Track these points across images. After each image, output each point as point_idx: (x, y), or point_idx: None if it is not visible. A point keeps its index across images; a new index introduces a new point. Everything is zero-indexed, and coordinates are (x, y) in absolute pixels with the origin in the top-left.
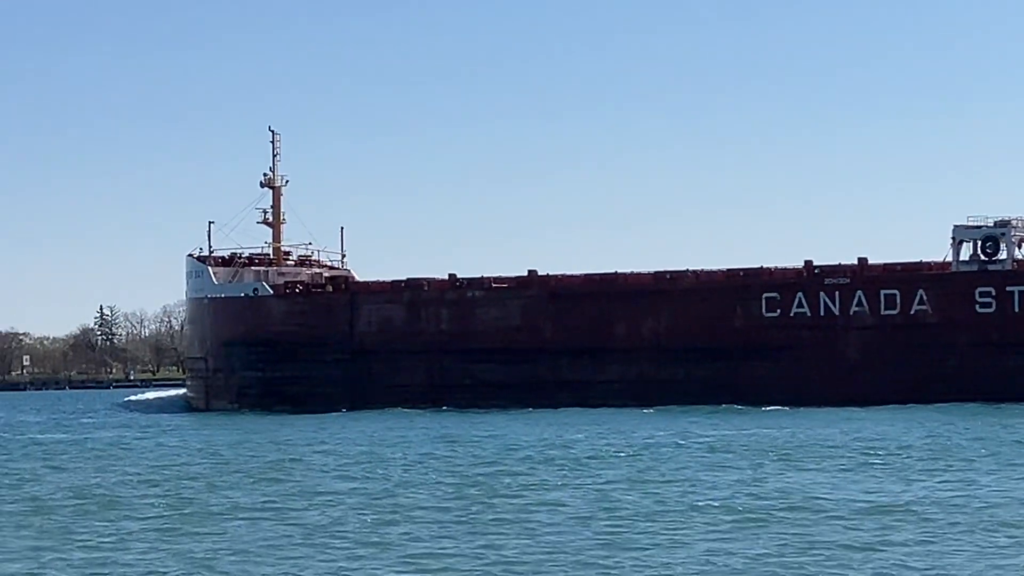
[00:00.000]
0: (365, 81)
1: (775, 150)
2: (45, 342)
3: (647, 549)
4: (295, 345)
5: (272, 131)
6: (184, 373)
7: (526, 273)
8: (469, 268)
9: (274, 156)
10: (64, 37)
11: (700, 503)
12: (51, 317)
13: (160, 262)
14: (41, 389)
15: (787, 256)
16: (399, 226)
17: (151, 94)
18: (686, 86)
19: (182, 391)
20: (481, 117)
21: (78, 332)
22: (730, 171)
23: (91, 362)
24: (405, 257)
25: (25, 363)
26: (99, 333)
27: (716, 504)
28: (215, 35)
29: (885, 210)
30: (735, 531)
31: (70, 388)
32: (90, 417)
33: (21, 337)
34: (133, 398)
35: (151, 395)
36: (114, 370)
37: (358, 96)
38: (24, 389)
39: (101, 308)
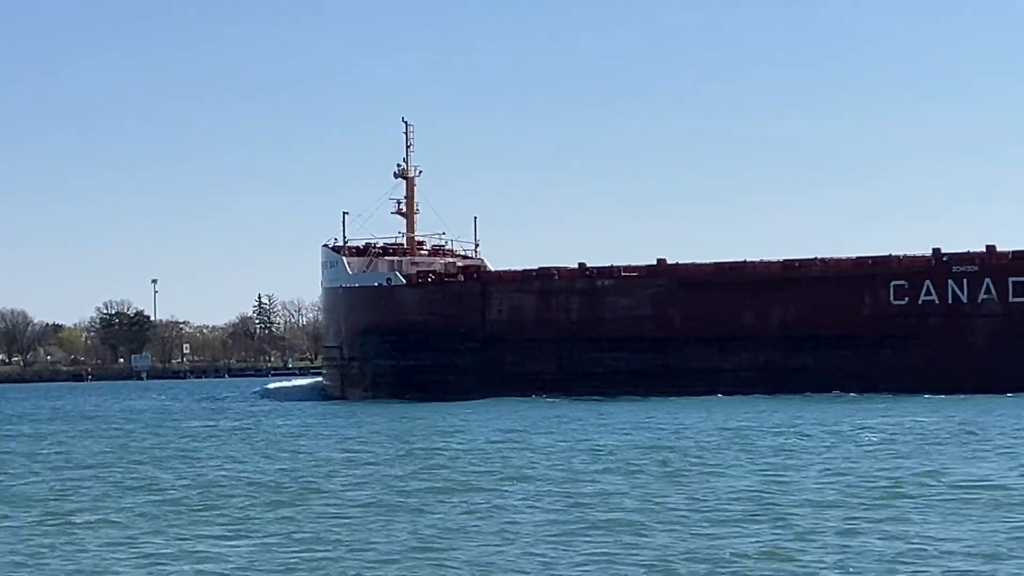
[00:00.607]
0: (497, 72)
1: (904, 138)
2: (205, 331)
3: None
4: (427, 334)
5: (405, 122)
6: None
7: (655, 262)
8: (600, 257)
9: (407, 147)
10: (199, 29)
11: None
12: (211, 306)
13: (314, 252)
14: (200, 377)
15: (916, 243)
16: (532, 215)
17: (290, 88)
18: (811, 75)
19: (318, 379)
20: (604, 105)
21: (237, 321)
22: (857, 158)
23: (249, 350)
24: (538, 246)
25: (185, 351)
26: (258, 322)
27: None
28: (350, 28)
29: (1016, 196)
30: None
31: (229, 376)
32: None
33: (181, 326)
34: (271, 386)
35: (287, 383)
36: (272, 358)
37: (491, 87)
38: (184, 377)
39: (259, 297)
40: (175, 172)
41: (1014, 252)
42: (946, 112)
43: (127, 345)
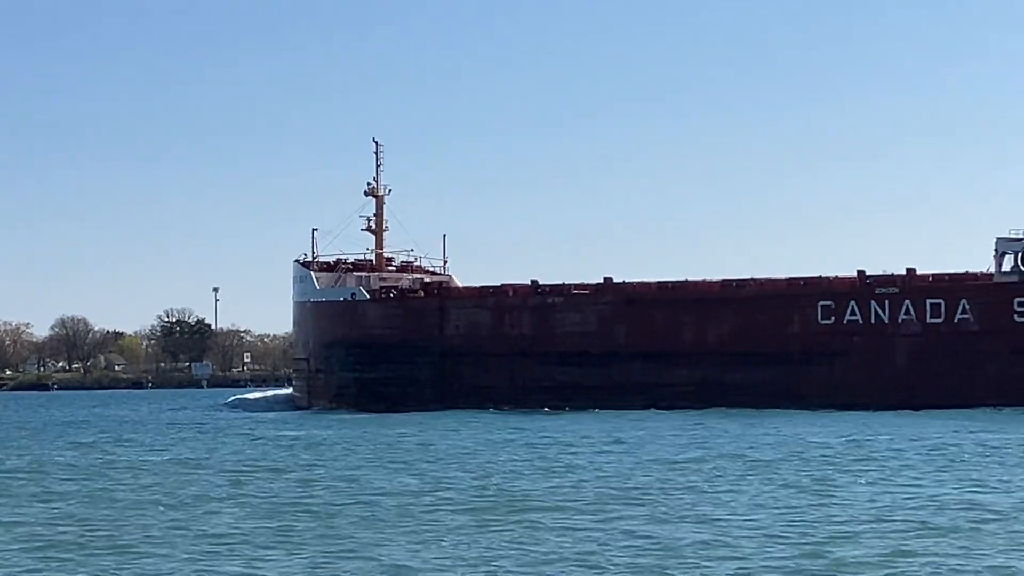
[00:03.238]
0: (464, 94)
1: (832, 167)
2: (265, 339)
3: None
4: (388, 347)
5: (376, 142)
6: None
7: (602, 280)
8: (556, 275)
9: (377, 166)
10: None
11: None
12: (272, 315)
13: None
14: (260, 386)
15: (844, 265)
16: (498, 233)
17: (264, 107)
18: (751, 102)
19: (289, 390)
20: (562, 129)
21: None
22: (790, 185)
23: None
24: (507, 263)
25: (246, 360)
26: None
27: None
28: (321, 48)
29: (935, 222)
30: None
31: (288, 384)
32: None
33: (242, 335)
34: (243, 396)
35: (256, 394)
36: None
37: (458, 108)
38: (245, 386)
39: None
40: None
41: (933, 275)
42: (874, 138)
43: (188, 353)
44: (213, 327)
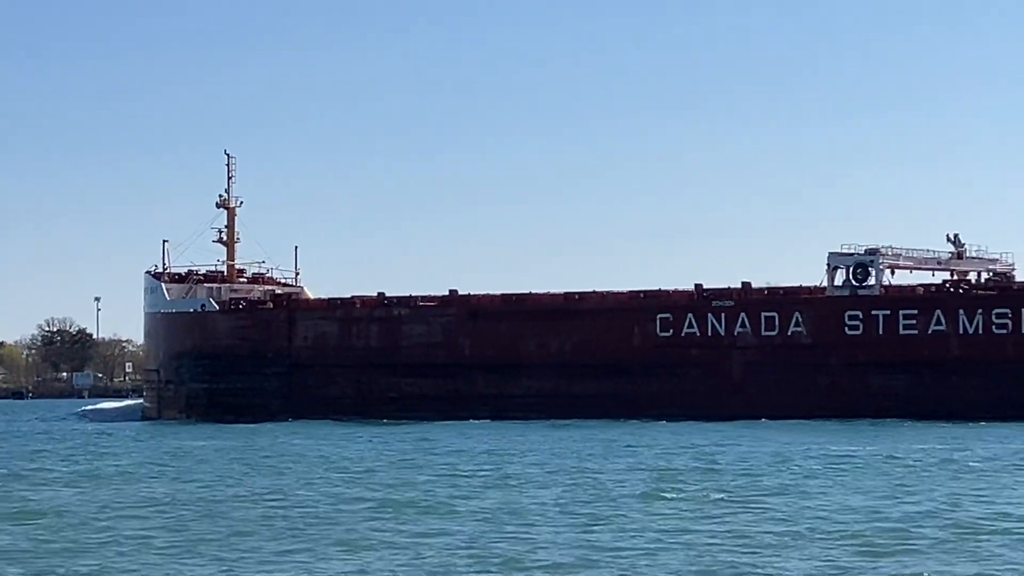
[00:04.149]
0: (317, 105)
1: (671, 184)
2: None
3: None
4: (238, 358)
5: (227, 154)
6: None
7: (448, 292)
8: (406, 287)
9: (229, 178)
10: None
11: None
12: None
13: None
14: (142, 396)
15: (683, 279)
16: (347, 246)
17: (115, 119)
18: (593, 113)
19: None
20: (414, 141)
21: None
22: (631, 200)
23: None
24: (358, 275)
25: (128, 370)
26: None
27: None
28: (173, 58)
29: (770, 237)
30: None
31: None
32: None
33: (124, 344)
34: (98, 407)
35: (111, 404)
36: None
37: (312, 120)
38: (126, 396)
39: None
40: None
41: (768, 289)
42: (709, 156)
43: (69, 363)
44: (94, 337)
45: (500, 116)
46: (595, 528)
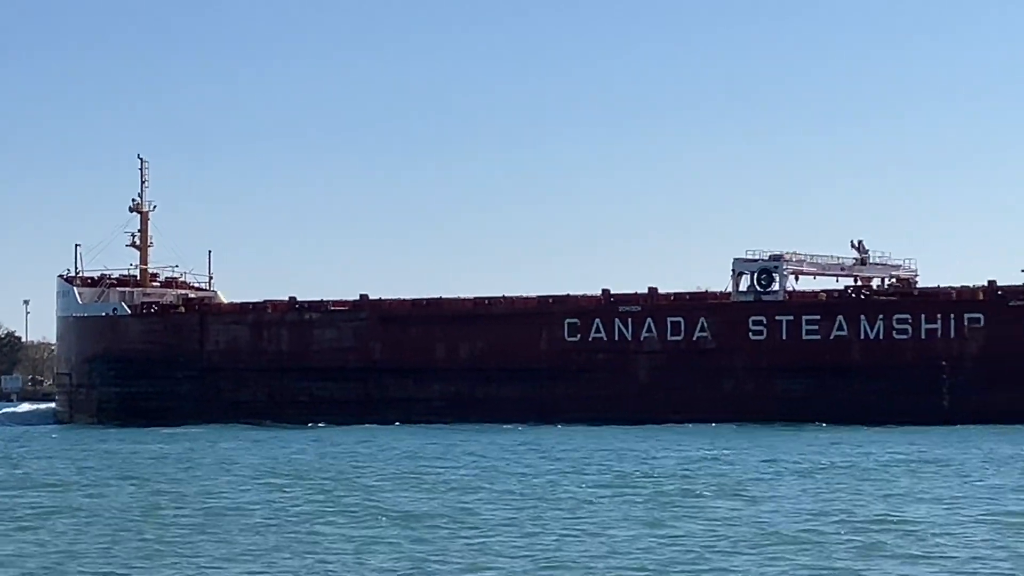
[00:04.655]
0: (230, 109)
1: (580, 188)
2: None
3: None
4: (150, 362)
5: (141, 159)
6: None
7: (359, 297)
8: (318, 291)
9: (142, 183)
10: None
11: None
12: None
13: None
14: None
15: (590, 284)
16: (261, 250)
17: (32, 121)
18: (497, 127)
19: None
20: (323, 145)
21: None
22: (539, 205)
23: None
24: (272, 280)
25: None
26: None
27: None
28: (88, 63)
29: (677, 243)
30: None
31: None
32: None
33: (54, 348)
34: (12, 410)
35: (26, 407)
36: None
37: (225, 124)
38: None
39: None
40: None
41: (674, 294)
42: (614, 162)
43: None
44: (23, 340)
45: (409, 122)
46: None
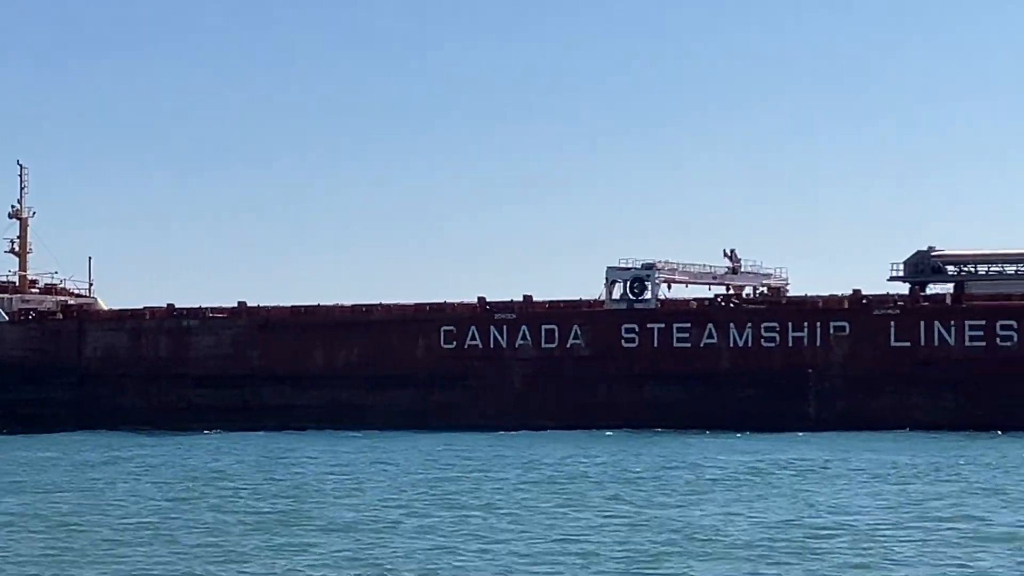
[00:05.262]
0: (113, 116)
1: (456, 198)
2: None
3: None
4: (27, 369)
5: (20, 164)
6: None
7: (237, 304)
8: (197, 298)
9: (22, 189)
10: None
11: None
12: None
13: None
14: None
15: (467, 292)
16: (142, 257)
17: None
18: (377, 133)
19: None
20: (197, 153)
21: None
22: (418, 212)
23: None
24: (153, 286)
25: None
26: None
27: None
28: None
29: (552, 251)
30: None
31: None
32: None
33: None
34: None
35: None
36: None
37: (106, 131)
38: None
39: None
40: None
41: (549, 302)
42: (490, 171)
43: None
44: None
45: (282, 126)
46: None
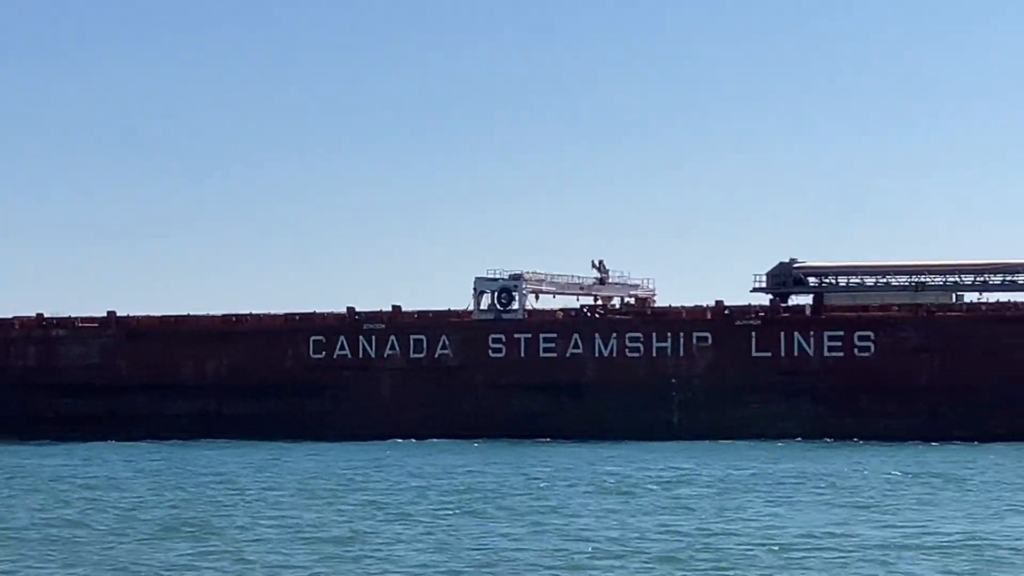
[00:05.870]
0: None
1: (317, 204)
2: None
3: None
4: None
5: None
6: None
7: (106, 314)
8: (67, 307)
9: None
10: None
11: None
12: None
13: None
14: None
15: (336, 302)
16: (9, 266)
17: None
18: (246, 143)
19: None
20: (68, 166)
21: None
22: (287, 222)
23: None
24: (22, 295)
25: None
26: None
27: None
28: None
29: (421, 261)
30: None
31: None
32: None
33: None
34: None
35: None
36: None
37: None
38: None
39: None
40: None
41: (418, 312)
42: (358, 178)
43: None
44: None
45: (154, 131)
46: None
